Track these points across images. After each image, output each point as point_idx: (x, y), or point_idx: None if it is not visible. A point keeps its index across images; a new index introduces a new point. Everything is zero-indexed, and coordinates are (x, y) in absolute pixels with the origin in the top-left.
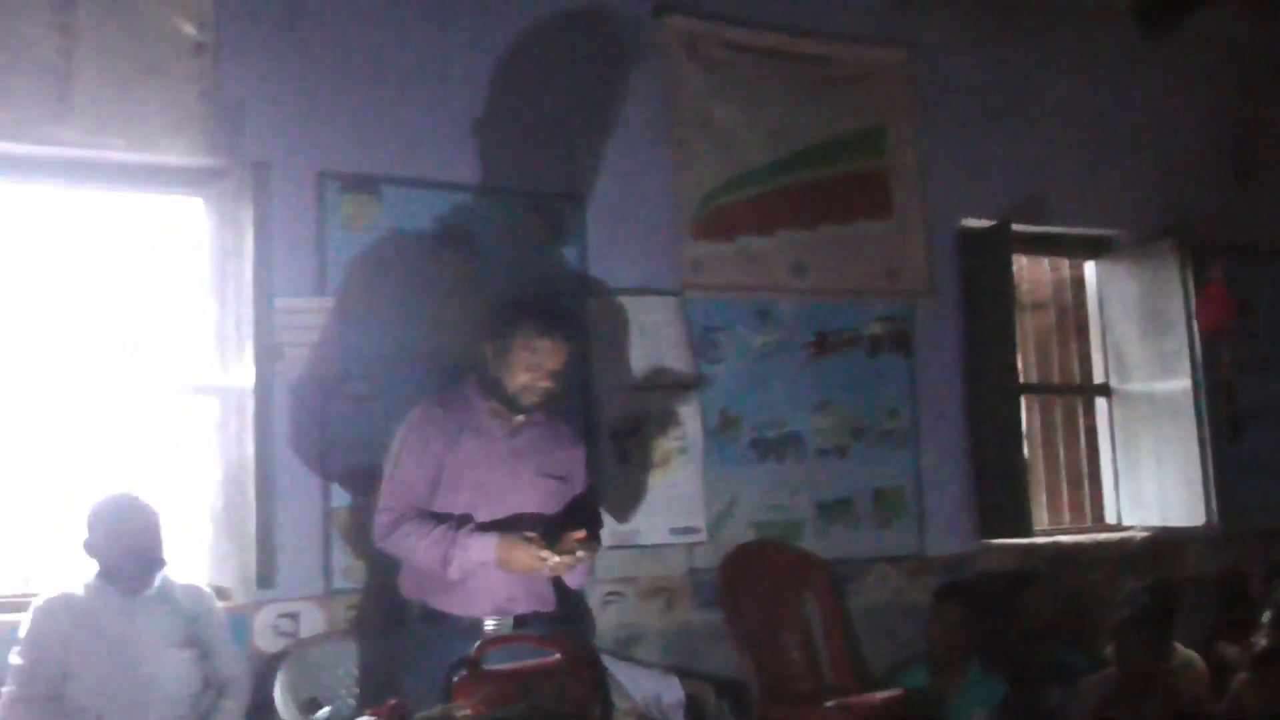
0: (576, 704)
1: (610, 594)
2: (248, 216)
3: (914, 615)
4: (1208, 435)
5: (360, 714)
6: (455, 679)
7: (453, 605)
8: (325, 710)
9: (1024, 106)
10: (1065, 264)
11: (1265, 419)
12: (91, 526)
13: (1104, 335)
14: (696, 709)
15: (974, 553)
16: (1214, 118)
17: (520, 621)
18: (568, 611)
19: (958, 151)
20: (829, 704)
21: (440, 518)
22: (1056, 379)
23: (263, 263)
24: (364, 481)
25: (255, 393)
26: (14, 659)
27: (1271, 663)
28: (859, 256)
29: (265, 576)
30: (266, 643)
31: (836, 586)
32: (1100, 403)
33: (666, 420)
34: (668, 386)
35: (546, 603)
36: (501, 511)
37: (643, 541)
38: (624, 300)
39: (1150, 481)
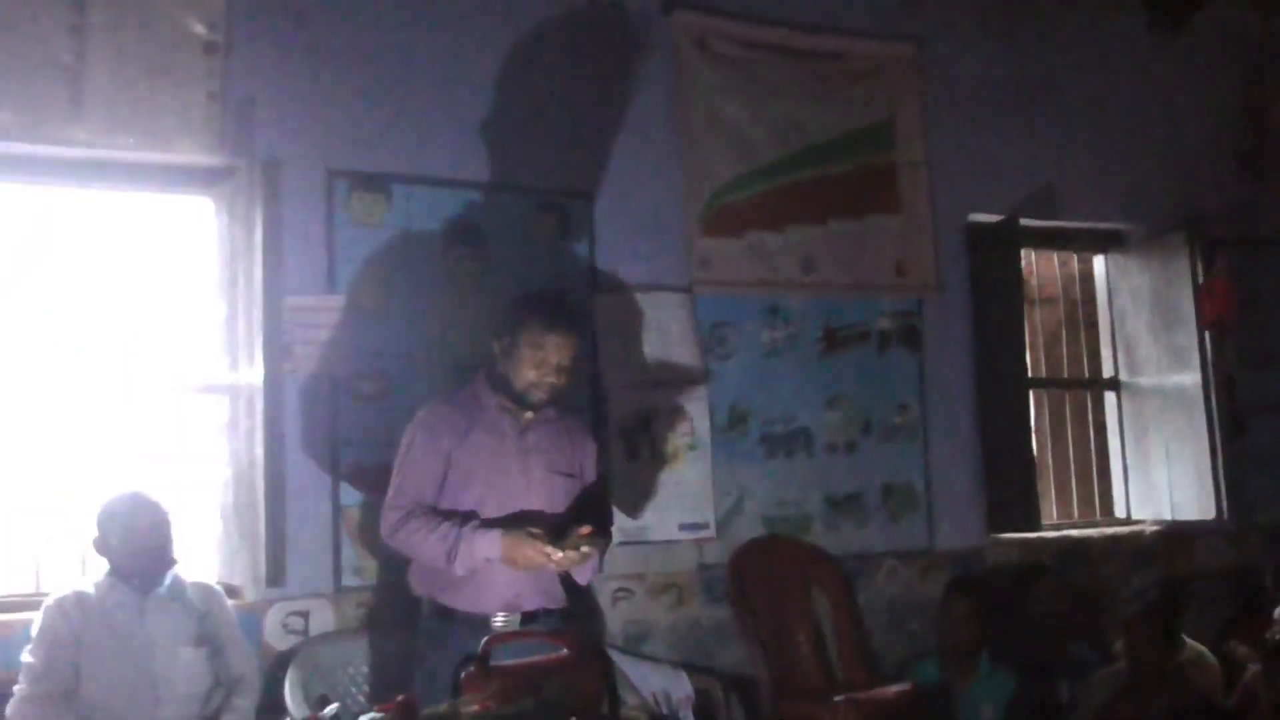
0: (584, 699)
1: (620, 590)
2: (258, 215)
3: (924, 610)
4: (1218, 429)
5: (369, 710)
6: (463, 675)
7: (461, 602)
8: (333, 706)
9: (1033, 101)
10: (1074, 258)
11: (1275, 412)
12: (102, 525)
13: (1113, 329)
14: (705, 704)
15: (983, 547)
16: (1224, 111)
17: (529, 617)
18: (577, 607)
19: (967, 146)
20: (838, 698)
21: (447, 514)
22: (1066, 373)
23: (272, 261)
24: (374, 479)
25: (265, 391)
26: (25, 657)
27: None
28: (868, 252)
29: (275, 574)
30: (277, 640)
31: (846, 581)
32: (1109, 397)
33: (675, 416)
34: (677, 383)
35: (555, 599)
36: (511, 508)
37: (652, 538)
38: (633, 297)
39: (1160, 475)
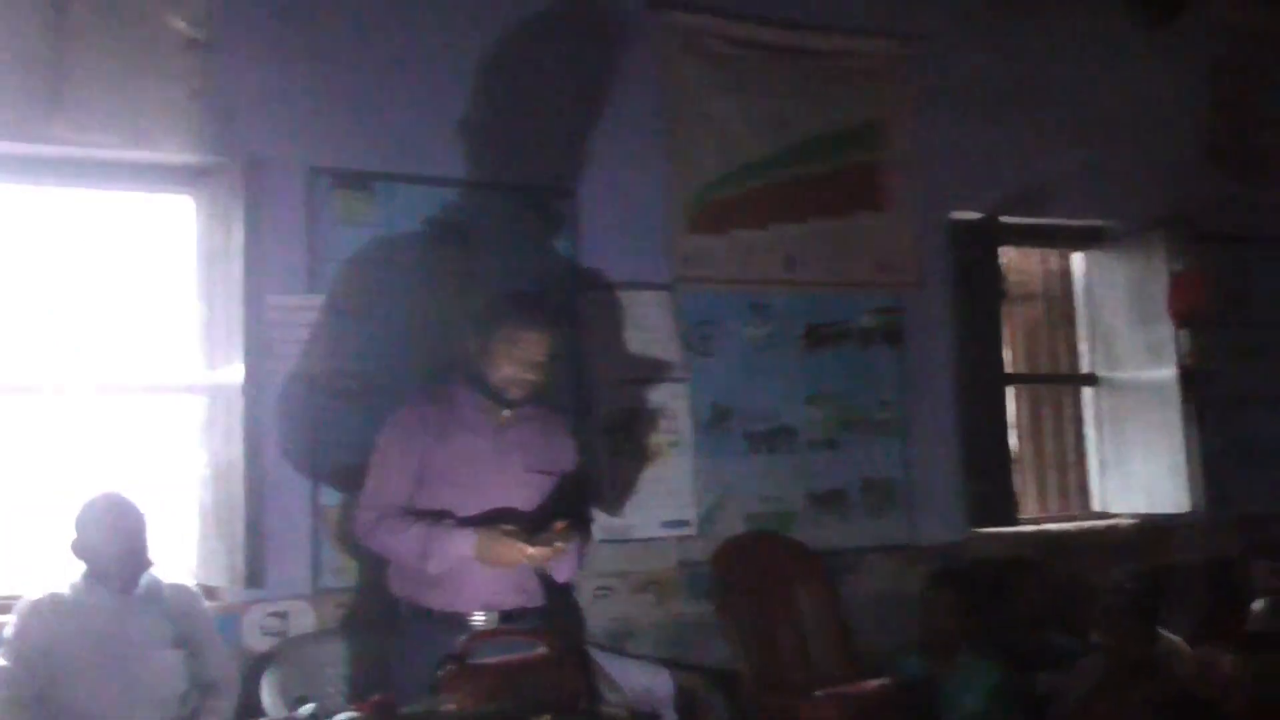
0: (564, 696)
1: (601, 588)
2: (239, 213)
3: (906, 604)
4: (1194, 423)
5: (346, 710)
6: (441, 674)
7: (439, 601)
8: (309, 706)
9: (1016, 99)
10: (1054, 255)
11: (1254, 405)
12: (79, 527)
13: (1091, 325)
14: (688, 701)
15: (963, 542)
16: (1203, 109)
17: (507, 616)
18: (556, 606)
19: (949, 144)
20: (819, 693)
21: (421, 514)
22: (1045, 369)
23: (253, 260)
24: (355, 480)
25: (245, 391)
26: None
27: (1262, 648)
28: (850, 249)
29: (254, 575)
30: (255, 642)
31: (828, 577)
32: (1087, 392)
33: (659, 414)
34: (660, 380)
35: (534, 597)
36: (489, 507)
37: (634, 535)
38: (617, 294)
39: (1137, 469)
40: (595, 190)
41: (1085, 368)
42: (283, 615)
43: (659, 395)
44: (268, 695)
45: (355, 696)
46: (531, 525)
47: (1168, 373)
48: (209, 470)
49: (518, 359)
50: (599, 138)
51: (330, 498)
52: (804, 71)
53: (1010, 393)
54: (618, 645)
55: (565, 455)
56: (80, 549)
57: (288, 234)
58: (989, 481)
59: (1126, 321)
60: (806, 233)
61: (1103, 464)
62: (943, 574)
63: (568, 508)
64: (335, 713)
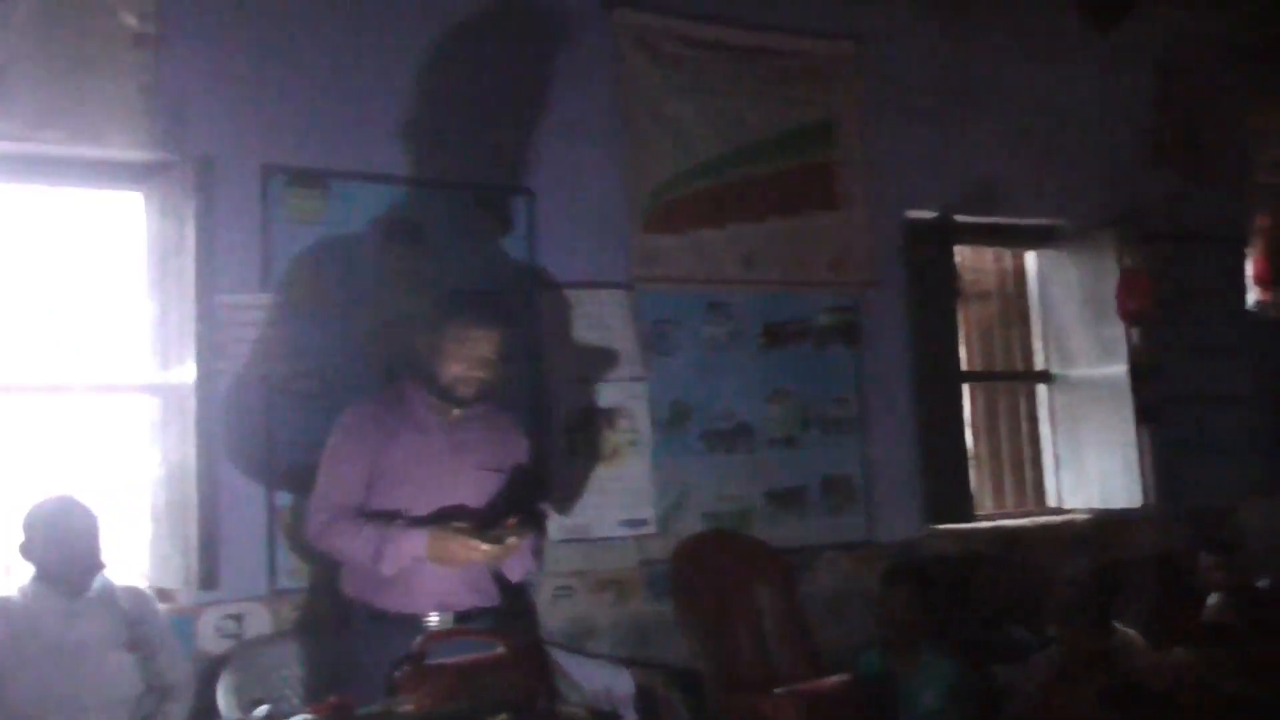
0: (522, 696)
1: (561, 588)
2: (190, 211)
3: (865, 601)
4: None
5: (302, 712)
6: (398, 674)
7: (393, 603)
8: (264, 708)
9: (969, 98)
10: (1008, 254)
11: (1199, 401)
12: (28, 530)
13: (1044, 323)
14: (648, 699)
15: (921, 538)
16: (1152, 108)
17: (462, 616)
18: (511, 605)
19: (903, 144)
20: (779, 691)
21: (373, 515)
22: (1000, 367)
23: (205, 258)
24: (308, 481)
25: (197, 391)
26: None
27: (1212, 640)
28: (807, 249)
29: (209, 577)
30: (211, 645)
31: (788, 575)
32: (1041, 389)
33: (617, 413)
34: (618, 379)
35: (489, 597)
36: (441, 506)
37: (593, 535)
38: (574, 293)
39: (1090, 465)
40: (553, 190)
41: (1040, 365)
42: (238, 618)
43: (617, 394)
44: (223, 698)
45: (311, 698)
46: (484, 523)
47: (1119, 370)
48: (162, 471)
49: (467, 357)
50: (555, 137)
51: (286, 498)
52: (758, 71)
53: (966, 390)
54: (578, 645)
55: (516, 452)
56: (29, 552)
57: (240, 232)
58: (946, 478)
59: (1079, 319)
60: (763, 232)
61: (1058, 460)
62: (900, 569)
63: (520, 505)
64: (291, 715)
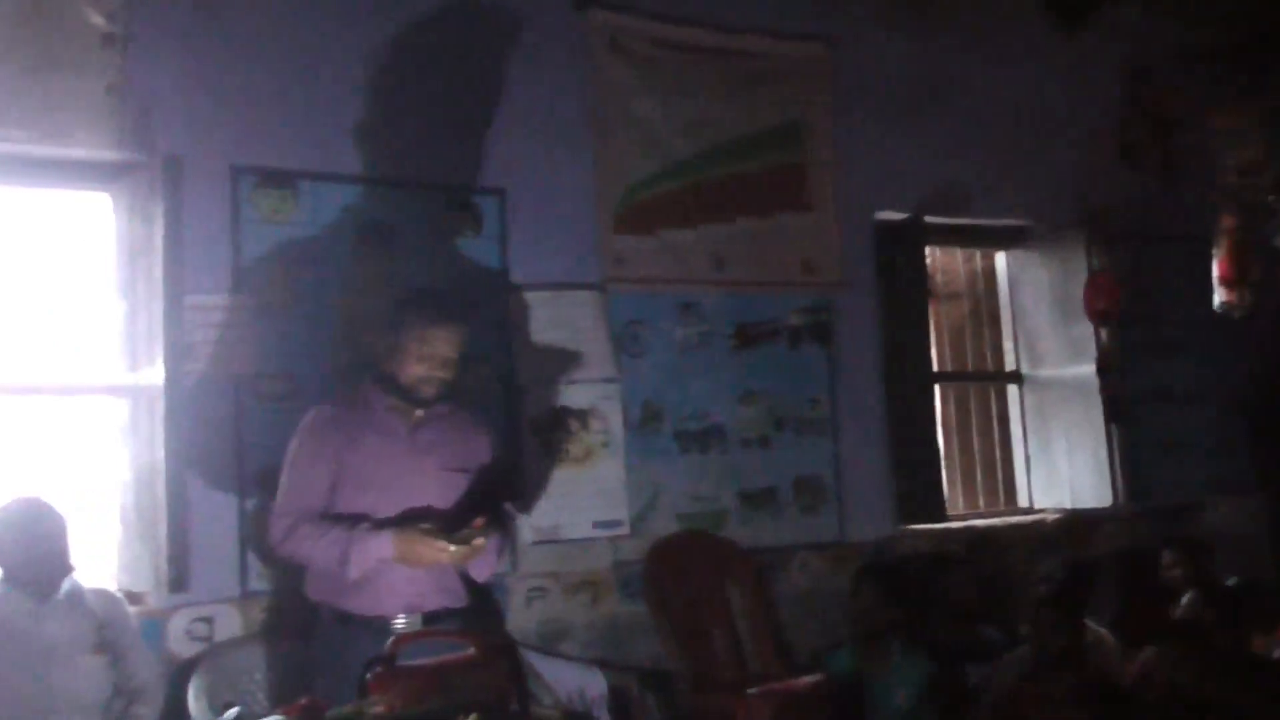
0: (493, 697)
1: (534, 589)
2: (158, 212)
3: (837, 601)
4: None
5: (272, 714)
6: (369, 676)
7: (360, 605)
8: (234, 710)
9: (938, 100)
10: (978, 255)
11: (1167, 400)
12: None
13: (1015, 324)
14: (621, 700)
15: (893, 538)
16: (1120, 110)
17: (431, 618)
18: (479, 606)
19: (873, 145)
20: (751, 691)
21: (337, 519)
22: (970, 367)
23: (174, 260)
24: (279, 483)
25: (166, 393)
26: None
27: (1183, 638)
28: (777, 250)
29: (178, 580)
30: (181, 647)
31: (760, 575)
32: (1012, 390)
33: (589, 414)
34: (590, 380)
35: (457, 598)
36: (406, 508)
37: (566, 536)
38: (546, 294)
39: (1061, 465)
40: (524, 191)
41: (1010, 365)
42: (208, 620)
43: (589, 395)
44: (193, 701)
45: (282, 701)
46: (449, 524)
47: (1088, 370)
48: (131, 473)
49: (428, 357)
50: (527, 138)
51: (256, 500)
52: (729, 73)
53: (937, 391)
54: (551, 646)
55: (480, 452)
56: None
57: (209, 233)
58: (918, 478)
59: (1049, 320)
60: (734, 233)
61: (1028, 460)
62: (871, 569)
63: (486, 505)
64: (262, 717)
